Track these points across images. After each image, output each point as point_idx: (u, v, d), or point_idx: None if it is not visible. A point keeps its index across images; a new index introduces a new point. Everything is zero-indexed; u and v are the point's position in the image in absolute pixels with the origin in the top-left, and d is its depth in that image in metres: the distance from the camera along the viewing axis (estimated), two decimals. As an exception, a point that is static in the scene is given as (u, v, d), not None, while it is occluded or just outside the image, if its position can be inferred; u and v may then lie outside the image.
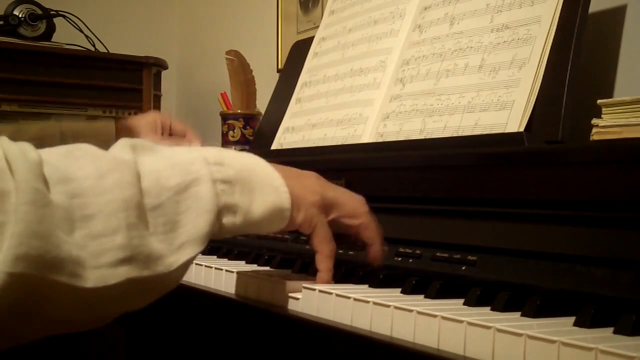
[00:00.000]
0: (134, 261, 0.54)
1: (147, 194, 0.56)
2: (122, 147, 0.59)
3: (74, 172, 0.53)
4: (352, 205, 0.73)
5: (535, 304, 0.57)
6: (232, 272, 0.81)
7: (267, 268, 0.87)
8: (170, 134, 1.27)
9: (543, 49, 0.87)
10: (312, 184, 0.72)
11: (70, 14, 2.18)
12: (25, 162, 0.50)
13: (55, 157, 0.54)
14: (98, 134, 1.10)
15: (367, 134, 1.06)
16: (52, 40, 2.09)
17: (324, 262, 0.72)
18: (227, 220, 0.62)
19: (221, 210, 0.61)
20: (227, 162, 0.64)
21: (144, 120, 1.23)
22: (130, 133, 1.18)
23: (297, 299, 0.70)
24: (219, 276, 0.84)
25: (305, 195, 0.69)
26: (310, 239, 0.72)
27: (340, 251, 0.87)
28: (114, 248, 0.53)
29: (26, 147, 0.52)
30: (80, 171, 0.54)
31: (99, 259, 0.52)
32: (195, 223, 0.59)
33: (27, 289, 0.49)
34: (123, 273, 0.53)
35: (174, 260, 0.57)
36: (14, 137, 0.83)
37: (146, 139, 0.64)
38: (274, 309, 0.72)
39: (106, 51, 2.20)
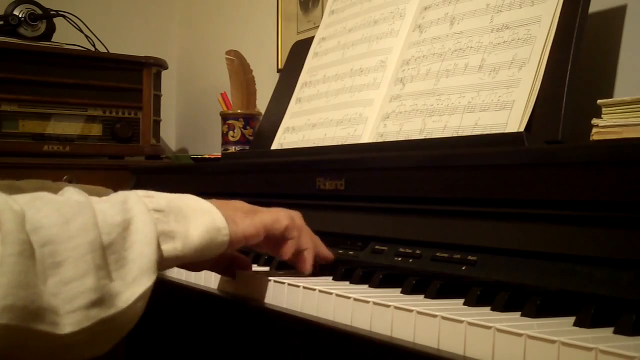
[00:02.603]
0: (102, 301, 0.55)
1: (102, 233, 0.58)
2: (73, 192, 0.61)
3: (41, 220, 0.54)
4: (282, 216, 0.76)
5: (535, 304, 0.57)
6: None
7: (267, 268, 0.87)
8: None
9: (543, 49, 0.87)
10: (241, 205, 0.75)
11: (70, 14, 2.19)
12: (12, 213, 0.52)
13: (23, 206, 0.55)
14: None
15: (367, 134, 1.06)
16: (52, 40, 2.09)
17: (313, 242, 0.76)
18: (168, 246, 0.63)
19: (160, 238, 0.63)
20: (155, 195, 0.66)
21: None
22: None
23: (297, 298, 0.70)
24: (220, 276, 0.84)
25: (235, 213, 0.72)
26: (271, 231, 0.73)
27: (340, 251, 0.87)
28: (86, 291, 0.54)
29: (9, 199, 0.54)
30: (46, 219, 0.55)
31: (72, 304, 0.53)
32: (143, 254, 0.60)
33: (10, 339, 0.50)
34: (95, 314, 0.55)
35: (130, 294, 0.58)
36: (11, 192, 0.83)
37: None
38: (274, 308, 0.72)
39: (106, 51, 2.20)
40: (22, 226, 0.52)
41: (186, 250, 0.65)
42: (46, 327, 0.51)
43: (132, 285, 0.58)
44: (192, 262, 0.68)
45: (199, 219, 0.67)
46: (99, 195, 1.01)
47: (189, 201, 0.69)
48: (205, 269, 0.81)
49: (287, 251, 0.75)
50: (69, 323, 0.53)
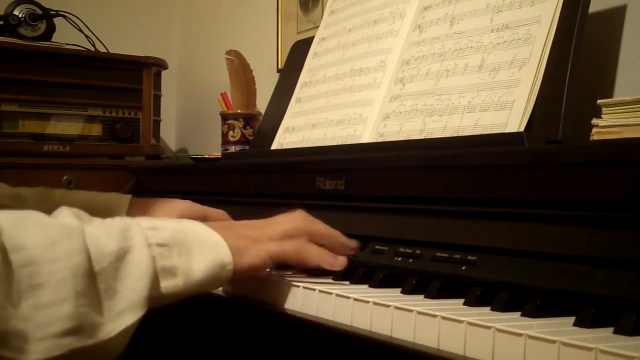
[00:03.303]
0: (79, 331, 0.53)
1: (91, 260, 0.56)
2: (67, 215, 0.59)
3: (25, 240, 0.53)
4: (289, 226, 0.74)
5: (535, 304, 0.57)
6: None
7: (267, 268, 0.87)
8: None
9: (543, 49, 0.87)
10: (245, 229, 0.72)
11: (70, 14, 2.18)
12: None
13: (7, 224, 0.53)
14: (109, 206, 0.98)
15: (367, 134, 1.06)
16: (52, 40, 2.09)
17: (311, 255, 0.73)
18: (168, 283, 0.62)
19: (160, 274, 0.61)
20: (161, 226, 0.64)
21: (173, 211, 1.00)
22: (145, 212, 1.00)
23: (297, 298, 0.70)
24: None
25: (241, 242, 0.69)
26: (280, 262, 0.72)
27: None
28: (62, 318, 0.52)
29: None
30: (31, 239, 0.53)
31: (44, 331, 0.51)
32: (134, 288, 0.58)
33: None
34: (67, 343, 0.53)
35: (113, 327, 0.56)
36: (13, 204, 0.82)
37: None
38: (274, 308, 0.72)
39: (106, 51, 2.20)
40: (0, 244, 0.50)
41: (187, 287, 0.63)
42: (11, 354, 0.49)
43: (117, 318, 0.57)
44: (195, 292, 0.66)
45: (204, 252, 0.65)
46: (104, 204, 0.98)
47: (196, 231, 0.67)
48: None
49: (310, 267, 0.74)
50: (36, 350, 0.51)
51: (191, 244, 0.65)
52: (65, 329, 0.52)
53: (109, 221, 0.62)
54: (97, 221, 0.61)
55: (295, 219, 0.75)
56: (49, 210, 0.61)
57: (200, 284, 0.64)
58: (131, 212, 1.01)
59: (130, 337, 0.58)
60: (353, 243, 0.78)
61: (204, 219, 1.07)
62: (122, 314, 0.57)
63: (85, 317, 0.54)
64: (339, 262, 0.74)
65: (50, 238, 0.54)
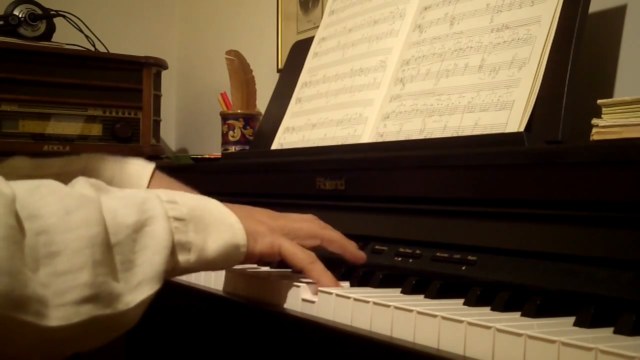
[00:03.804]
0: (97, 299, 0.53)
1: (108, 232, 0.56)
2: (83, 185, 0.59)
3: (40, 209, 0.53)
4: (306, 227, 0.75)
5: (535, 304, 0.57)
6: (232, 271, 0.81)
7: (267, 268, 0.87)
8: None
9: (543, 49, 0.87)
10: (263, 216, 0.73)
11: (70, 14, 2.18)
12: (0, 197, 0.50)
13: (22, 193, 0.53)
14: (129, 178, 0.96)
15: (367, 134, 1.06)
16: (52, 40, 2.09)
17: (315, 272, 0.72)
18: (182, 258, 0.62)
19: (175, 248, 0.61)
20: (179, 200, 0.64)
21: None
22: (169, 186, 0.98)
23: (297, 299, 0.70)
24: (219, 276, 0.84)
25: (258, 227, 0.70)
26: (285, 261, 0.72)
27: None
28: (79, 286, 0.52)
29: (1, 183, 0.52)
30: (46, 208, 0.53)
31: (63, 297, 0.52)
32: (152, 261, 0.58)
33: None
34: (86, 311, 0.53)
35: (132, 299, 0.57)
36: (35, 173, 0.81)
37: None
38: (274, 309, 0.72)
39: (106, 51, 2.20)
40: (11, 210, 0.50)
41: (199, 264, 0.64)
42: (30, 318, 0.49)
43: (135, 290, 0.57)
44: (205, 270, 0.67)
45: (220, 232, 0.65)
46: (116, 166, 0.96)
47: (213, 210, 0.67)
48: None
49: (322, 282, 0.73)
50: (56, 317, 0.51)
51: (208, 222, 0.65)
52: (84, 296, 0.53)
53: (128, 192, 0.62)
54: (116, 191, 0.61)
55: (312, 222, 0.76)
56: (73, 174, 0.61)
57: (212, 263, 0.65)
58: (153, 184, 0.99)
59: (145, 309, 0.59)
60: (362, 255, 0.77)
61: None
62: (139, 286, 0.57)
63: (104, 286, 0.54)
64: (336, 284, 0.73)
65: (65, 207, 0.54)
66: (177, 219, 0.62)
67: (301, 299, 0.70)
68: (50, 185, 0.56)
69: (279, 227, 0.73)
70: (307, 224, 0.75)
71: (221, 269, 0.69)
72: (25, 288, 0.49)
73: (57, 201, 0.54)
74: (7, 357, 0.52)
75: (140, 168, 0.95)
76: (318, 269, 0.72)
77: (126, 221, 0.58)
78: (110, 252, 0.56)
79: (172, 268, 0.61)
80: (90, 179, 0.61)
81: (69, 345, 0.55)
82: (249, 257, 0.69)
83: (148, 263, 0.58)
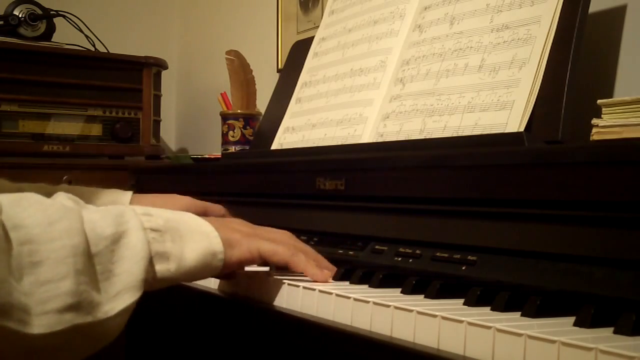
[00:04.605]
0: (79, 307, 0.55)
1: (89, 242, 0.57)
2: (64, 198, 0.61)
3: (24, 219, 0.54)
4: (280, 237, 0.76)
5: (535, 304, 0.57)
6: (232, 272, 0.81)
7: (267, 268, 0.87)
8: None
9: (543, 49, 0.87)
10: (239, 225, 0.74)
11: (70, 14, 2.18)
12: None
13: (7, 204, 0.54)
14: (111, 201, 0.99)
15: (367, 134, 1.06)
16: (52, 40, 2.09)
17: (301, 263, 0.73)
18: (161, 267, 0.63)
19: (154, 258, 0.62)
20: (154, 213, 0.65)
21: (174, 206, 1.03)
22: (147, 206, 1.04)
23: (297, 298, 0.70)
24: (219, 276, 0.84)
25: (233, 235, 0.71)
26: (268, 261, 0.73)
27: (340, 251, 0.87)
28: (61, 294, 0.53)
29: None
30: (30, 219, 0.54)
31: (45, 306, 0.52)
32: (130, 271, 0.59)
33: None
34: (68, 319, 0.54)
35: (110, 308, 0.57)
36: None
37: None
38: (274, 308, 0.72)
39: (106, 51, 2.20)
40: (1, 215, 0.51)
41: (179, 273, 0.64)
42: (14, 325, 0.50)
43: (114, 299, 0.58)
44: (186, 280, 0.67)
45: (196, 241, 0.66)
46: (94, 196, 0.99)
47: (188, 221, 0.68)
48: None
49: (310, 274, 0.75)
50: (39, 324, 0.52)
51: (184, 232, 0.66)
52: (66, 304, 0.54)
53: (103, 208, 0.63)
54: (92, 207, 0.62)
55: (286, 234, 0.77)
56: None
57: (192, 271, 0.66)
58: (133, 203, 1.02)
59: (127, 319, 0.59)
60: (333, 269, 0.78)
61: (204, 213, 1.10)
62: (119, 295, 0.58)
63: (85, 295, 0.55)
64: (324, 276, 0.74)
65: (48, 218, 0.55)
66: (153, 229, 0.63)
67: (301, 299, 0.70)
68: (33, 197, 0.57)
69: (254, 233, 0.73)
70: (281, 235, 0.76)
71: (200, 278, 0.69)
72: (9, 296, 0.50)
73: (41, 212, 0.55)
74: None
75: (120, 195, 0.98)
76: (302, 260, 0.73)
77: (105, 232, 0.59)
78: (91, 262, 0.57)
79: (152, 278, 0.62)
80: (69, 194, 0.63)
81: (52, 355, 0.55)
82: (227, 265, 0.69)
83: (126, 273, 0.59)
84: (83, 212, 0.59)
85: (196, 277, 0.68)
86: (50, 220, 0.55)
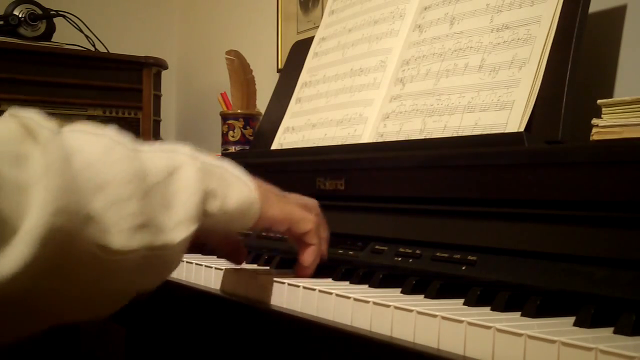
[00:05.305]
0: (148, 228, 0.55)
1: (146, 171, 0.58)
2: (114, 131, 0.60)
3: (81, 145, 0.54)
4: (311, 203, 0.77)
5: (535, 304, 0.57)
6: (232, 271, 0.81)
7: (267, 268, 0.87)
8: None
9: (543, 49, 0.87)
10: (274, 189, 0.75)
11: (70, 14, 2.18)
12: (46, 128, 0.51)
13: (61, 134, 0.54)
14: None
15: (367, 134, 1.06)
16: (52, 40, 2.09)
17: (317, 244, 0.75)
18: (209, 205, 0.64)
19: (204, 195, 0.63)
20: (200, 156, 0.66)
21: None
22: None
23: (297, 298, 0.70)
24: (219, 276, 0.84)
25: (269, 195, 0.72)
26: (293, 228, 0.74)
27: (340, 251, 0.87)
28: (131, 214, 0.54)
29: (40, 117, 0.53)
30: (87, 146, 0.54)
31: (119, 225, 0.53)
32: (187, 204, 0.60)
33: (62, 245, 0.48)
34: (140, 239, 0.54)
35: (174, 236, 0.58)
36: None
37: None
38: (274, 308, 0.72)
39: (106, 51, 2.20)
40: (59, 137, 0.51)
41: (221, 213, 0.65)
42: (97, 236, 0.50)
43: (175, 229, 0.58)
44: (218, 230, 0.68)
45: (237, 187, 0.67)
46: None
47: (229, 168, 0.69)
48: (214, 244, 0.81)
49: (307, 259, 0.75)
50: (117, 241, 0.52)
51: (227, 176, 0.67)
52: (136, 224, 0.54)
53: (152, 146, 0.63)
54: (139, 143, 0.62)
55: (315, 202, 0.78)
56: None
57: (232, 215, 0.66)
58: None
59: (185, 250, 0.60)
60: (325, 255, 0.79)
61: None
62: (179, 225, 0.59)
63: (151, 216, 0.56)
64: (310, 271, 0.76)
65: (105, 145, 0.55)
66: (200, 169, 0.64)
67: (301, 299, 0.70)
68: (84, 128, 0.57)
69: (289, 198, 0.75)
70: (312, 202, 0.78)
71: (237, 226, 0.70)
72: (88, 208, 0.50)
73: (96, 140, 0.55)
74: (73, 285, 0.52)
75: None
76: (317, 240, 0.74)
77: (159, 166, 0.59)
78: (151, 191, 0.57)
79: (203, 214, 0.63)
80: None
81: (129, 279, 0.56)
82: (262, 218, 0.70)
83: (183, 206, 0.60)
84: (136, 145, 0.60)
85: (233, 223, 0.68)
86: (107, 147, 0.55)
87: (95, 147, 0.54)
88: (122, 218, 0.53)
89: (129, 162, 0.56)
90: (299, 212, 0.74)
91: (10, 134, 0.50)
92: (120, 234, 0.53)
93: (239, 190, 0.67)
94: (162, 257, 0.58)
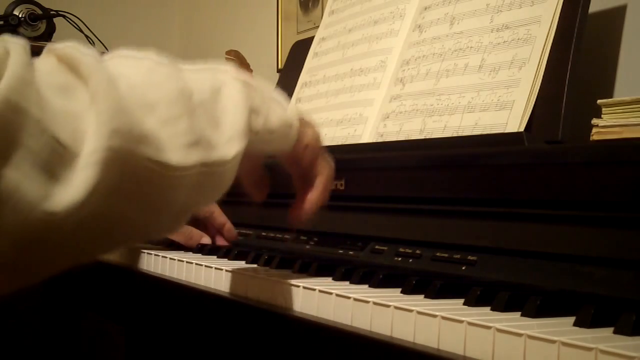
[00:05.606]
0: (200, 145, 0.55)
1: (192, 90, 0.57)
2: (153, 54, 0.61)
3: (122, 69, 0.54)
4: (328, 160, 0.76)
5: (535, 304, 0.57)
6: (232, 272, 0.81)
7: (267, 268, 0.87)
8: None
9: (543, 49, 0.87)
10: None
11: (70, 14, 2.18)
12: (88, 56, 0.51)
13: (104, 62, 0.54)
14: None
15: (367, 134, 1.06)
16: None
17: (324, 185, 0.73)
18: (253, 122, 0.63)
19: (249, 111, 0.63)
20: (240, 74, 0.65)
21: None
22: None
23: (297, 299, 0.70)
24: (219, 276, 0.84)
25: (306, 119, 0.72)
26: (309, 162, 0.73)
27: (340, 251, 0.87)
28: (182, 132, 0.53)
29: (78, 46, 0.53)
30: (129, 69, 0.54)
31: (172, 141, 0.52)
32: (235, 120, 0.60)
33: (123, 166, 0.48)
34: (196, 155, 0.54)
35: (226, 152, 0.58)
36: None
37: None
38: (274, 309, 0.72)
39: (106, 51, 2.20)
40: (100, 62, 0.51)
41: (265, 131, 0.65)
42: (154, 153, 0.50)
43: (226, 145, 0.58)
44: (257, 151, 0.67)
45: (279, 108, 0.67)
46: None
47: (270, 90, 0.68)
48: (243, 172, 0.79)
49: (317, 194, 0.74)
50: (173, 156, 0.52)
51: (269, 97, 0.67)
52: (189, 141, 0.54)
53: (194, 66, 0.63)
54: (181, 64, 0.62)
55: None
56: None
57: (274, 134, 0.66)
58: None
59: (236, 167, 0.60)
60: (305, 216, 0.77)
61: (210, 216, 1.11)
62: (230, 141, 0.59)
63: (202, 134, 0.55)
64: (311, 210, 0.75)
65: (147, 67, 0.55)
66: (244, 87, 0.63)
67: (301, 299, 0.70)
68: (123, 52, 0.58)
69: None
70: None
71: (277, 147, 0.69)
72: (142, 126, 0.50)
73: (138, 64, 0.56)
74: (136, 212, 0.52)
75: None
76: (330, 179, 0.74)
77: (204, 84, 0.59)
78: (199, 109, 0.57)
79: (250, 131, 0.63)
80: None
81: (188, 195, 0.55)
82: (299, 142, 0.70)
83: (232, 122, 0.59)
84: (178, 66, 0.59)
85: (274, 143, 0.68)
86: (149, 68, 0.55)
87: (138, 70, 0.54)
88: (175, 135, 0.53)
89: (173, 82, 0.55)
90: (319, 145, 0.73)
91: (52, 68, 0.50)
92: (176, 150, 0.52)
93: (278, 109, 0.67)
94: (217, 173, 0.58)
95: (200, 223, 1.12)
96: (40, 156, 0.45)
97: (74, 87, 0.49)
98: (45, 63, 0.51)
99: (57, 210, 0.45)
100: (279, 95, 0.69)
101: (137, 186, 0.51)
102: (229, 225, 1.11)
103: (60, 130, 0.46)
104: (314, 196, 0.74)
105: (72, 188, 0.46)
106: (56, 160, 0.45)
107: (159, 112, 0.53)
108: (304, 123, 0.70)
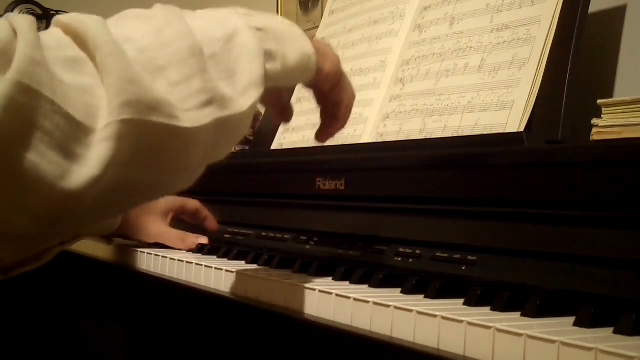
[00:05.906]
0: (214, 103, 0.55)
1: (202, 45, 0.57)
2: (162, 7, 0.60)
3: (130, 33, 0.54)
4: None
5: (535, 304, 0.57)
6: (232, 272, 0.81)
7: (267, 268, 0.87)
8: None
9: (543, 49, 0.87)
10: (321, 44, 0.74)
11: (70, 14, 2.18)
12: (90, 21, 0.51)
13: (108, 24, 0.55)
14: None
15: (367, 134, 1.06)
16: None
17: (346, 111, 0.75)
18: (270, 66, 0.63)
19: (264, 57, 0.62)
20: (254, 14, 0.65)
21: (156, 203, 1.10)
22: (135, 227, 1.10)
23: (297, 299, 0.70)
24: (219, 276, 0.84)
25: (324, 47, 0.71)
26: (331, 89, 0.74)
27: (340, 251, 0.87)
28: (195, 92, 0.54)
29: (81, 16, 0.53)
30: (137, 31, 0.54)
31: (185, 104, 0.53)
32: (250, 68, 0.59)
33: (138, 135, 0.49)
34: (209, 114, 0.54)
35: (243, 102, 0.58)
36: None
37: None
38: (274, 309, 0.72)
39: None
40: (107, 30, 0.51)
41: (284, 72, 0.64)
42: (166, 120, 0.51)
43: (242, 95, 0.58)
44: (280, 85, 0.67)
45: (294, 41, 0.66)
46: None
47: (284, 24, 0.68)
48: (266, 103, 0.80)
49: (338, 125, 0.75)
50: (187, 119, 0.52)
51: (282, 32, 0.66)
52: (202, 101, 0.54)
53: (203, 12, 0.62)
54: (191, 13, 0.61)
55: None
56: None
57: (292, 72, 0.66)
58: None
59: (252, 115, 0.60)
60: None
61: (181, 207, 1.14)
62: (246, 91, 0.58)
63: (216, 91, 0.55)
64: (333, 131, 0.77)
65: (155, 27, 0.55)
66: (258, 29, 0.63)
67: (301, 299, 0.70)
68: (131, 12, 0.57)
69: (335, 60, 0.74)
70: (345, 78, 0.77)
71: (297, 81, 0.70)
72: (152, 93, 0.50)
73: (144, 24, 0.55)
74: (155, 174, 0.53)
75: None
76: (349, 105, 0.75)
77: (215, 34, 0.58)
78: (211, 62, 0.57)
79: (266, 76, 0.62)
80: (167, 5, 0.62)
81: (206, 151, 0.56)
82: (319, 71, 0.69)
83: (246, 71, 0.59)
84: (187, 19, 0.59)
85: (294, 78, 0.68)
86: (157, 28, 0.55)
87: (145, 31, 0.54)
88: (187, 97, 0.53)
89: (182, 40, 0.55)
90: (346, 79, 0.74)
91: (60, 42, 0.50)
92: (188, 112, 0.53)
93: (295, 45, 0.66)
94: (234, 124, 0.58)
95: (183, 220, 1.14)
96: (55, 136, 0.46)
97: (83, 61, 0.49)
98: (52, 37, 0.50)
99: (76, 187, 0.46)
100: (293, 28, 0.68)
101: (153, 153, 0.52)
102: (207, 214, 1.15)
103: (73, 108, 0.47)
104: (336, 128, 0.76)
105: (89, 164, 0.47)
106: (71, 138, 0.46)
107: (169, 74, 0.53)
108: (321, 53, 0.70)
